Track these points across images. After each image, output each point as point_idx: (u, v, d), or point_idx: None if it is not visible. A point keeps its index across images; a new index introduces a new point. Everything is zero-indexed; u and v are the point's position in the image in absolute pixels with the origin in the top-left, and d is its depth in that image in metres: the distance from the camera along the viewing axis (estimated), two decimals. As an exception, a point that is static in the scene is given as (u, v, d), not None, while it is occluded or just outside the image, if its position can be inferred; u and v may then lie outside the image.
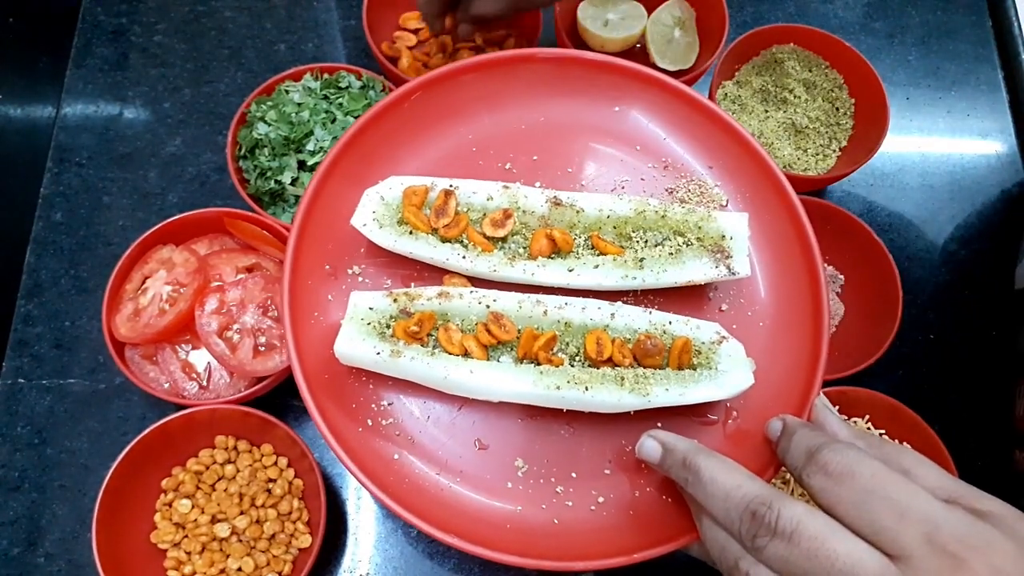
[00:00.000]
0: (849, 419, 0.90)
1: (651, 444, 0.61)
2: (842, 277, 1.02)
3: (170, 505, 0.85)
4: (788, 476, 0.84)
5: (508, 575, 0.89)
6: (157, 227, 0.90)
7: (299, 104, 0.97)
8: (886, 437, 0.89)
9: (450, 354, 0.65)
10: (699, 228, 0.70)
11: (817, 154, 1.07)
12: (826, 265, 1.03)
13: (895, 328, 0.91)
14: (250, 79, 1.12)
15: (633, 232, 0.71)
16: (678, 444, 0.59)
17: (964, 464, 0.85)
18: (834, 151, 1.08)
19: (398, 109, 0.73)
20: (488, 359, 0.66)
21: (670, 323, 0.67)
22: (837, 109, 1.09)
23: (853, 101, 1.09)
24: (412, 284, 0.70)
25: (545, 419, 0.67)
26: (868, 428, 0.89)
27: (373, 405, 0.66)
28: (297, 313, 0.66)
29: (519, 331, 0.66)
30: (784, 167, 1.05)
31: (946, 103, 1.19)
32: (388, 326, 0.66)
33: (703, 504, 0.55)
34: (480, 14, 0.90)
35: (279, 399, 0.92)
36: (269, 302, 0.89)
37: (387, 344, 0.64)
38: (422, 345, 0.66)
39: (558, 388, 0.63)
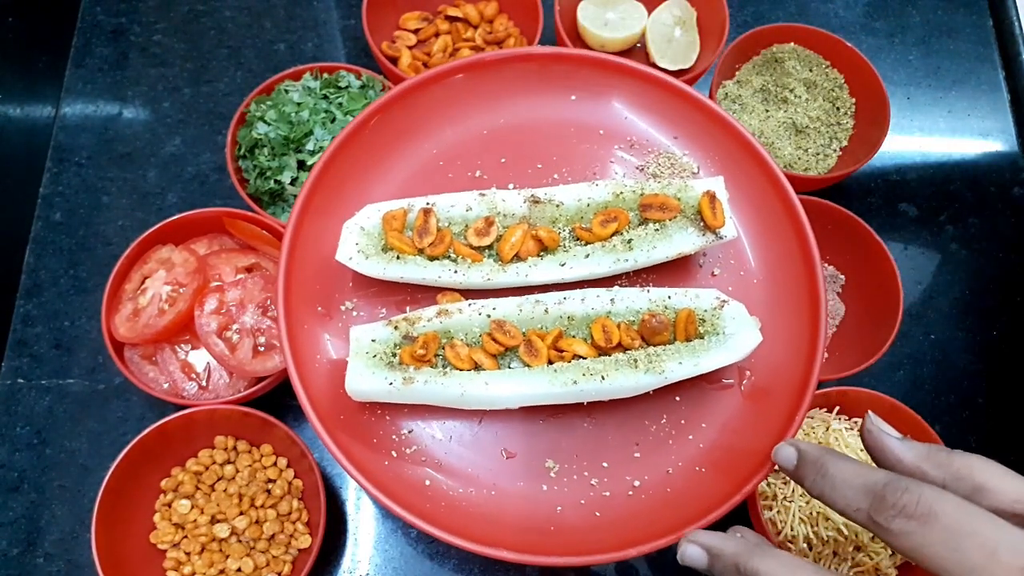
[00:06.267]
0: (849, 419, 0.90)
1: (694, 551, 0.56)
2: (842, 277, 1.02)
3: (169, 505, 0.85)
4: (789, 482, 0.84)
5: (509, 574, 0.89)
6: (156, 227, 0.90)
7: (299, 104, 0.97)
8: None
9: (460, 370, 0.65)
10: (678, 200, 0.70)
11: (818, 154, 1.07)
12: (826, 265, 1.03)
13: (895, 328, 0.91)
14: (250, 79, 1.12)
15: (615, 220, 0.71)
16: (725, 547, 0.54)
17: (964, 464, 0.85)
18: (835, 151, 1.07)
19: (359, 138, 0.73)
20: (499, 367, 0.66)
21: (669, 297, 0.68)
22: (838, 109, 1.08)
23: (854, 101, 1.09)
24: (407, 308, 0.70)
25: (566, 415, 0.68)
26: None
27: (394, 436, 0.66)
28: (300, 360, 0.65)
29: (524, 334, 0.66)
30: (784, 167, 1.05)
31: (947, 103, 1.18)
32: (394, 354, 0.65)
33: None
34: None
35: (278, 399, 0.92)
36: (268, 302, 0.89)
37: (397, 373, 0.63)
38: (431, 367, 0.65)
39: (575, 383, 0.63)
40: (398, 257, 0.68)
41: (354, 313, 0.70)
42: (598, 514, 0.64)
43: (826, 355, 0.97)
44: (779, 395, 0.66)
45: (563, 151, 0.76)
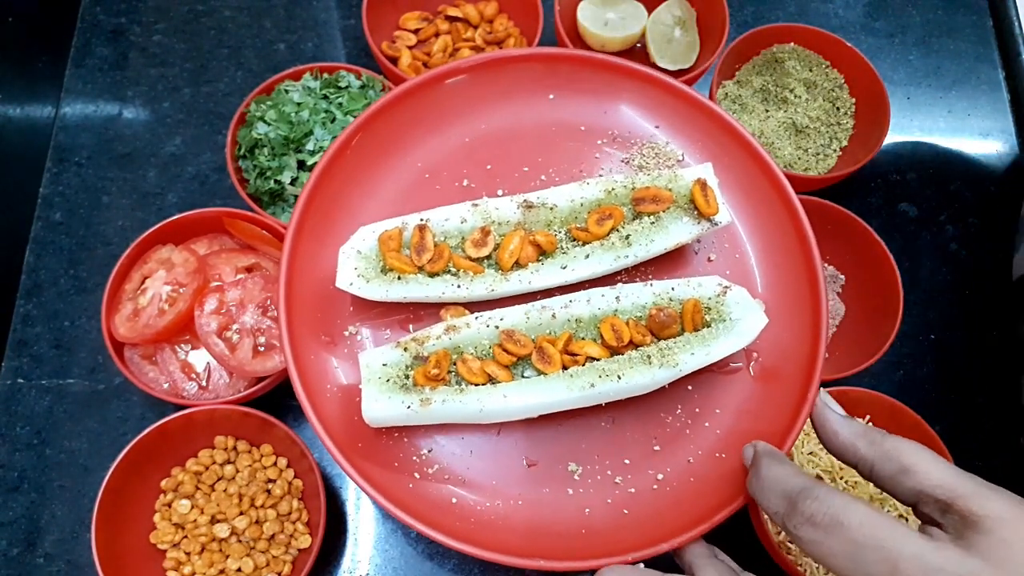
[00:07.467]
0: (849, 419, 0.90)
1: None
2: (842, 277, 1.02)
3: (169, 505, 0.85)
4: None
5: (509, 574, 0.89)
6: (156, 227, 0.90)
7: (299, 104, 0.97)
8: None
9: (475, 384, 0.64)
10: (670, 190, 0.70)
11: (817, 154, 1.07)
12: (826, 265, 1.03)
13: (895, 328, 0.91)
14: (250, 79, 1.12)
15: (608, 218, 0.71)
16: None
17: (965, 465, 0.84)
18: (835, 151, 1.07)
19: (342, 159, 0.72)
20: (513, 378, 0.65)
21: (673, 289, 0.68)
22: (838, 109, 1.08)
23: (854, 101, 1.09)
24: (410, 326, 0.69)
25: (583, 417, 0.67)
26: (868, 428, 0.89)
27: (414, 457, 0.65)
28: (311, 392, 0.65)
29: (534, 341, 0.66)
30: (784, 167, 1.05)
31: (947, 102, 1.18)
32: (407, 376, 0.64)
33: None
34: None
35: (279, 399, 0.92)
36: (268, 302, 0.89)
37: (413, 395, 0.63)
38: (446, 385, 0.64)
39: (592, 385, 0.63)
40: (399, 277, 0.67)
41: (358, 337, 0.69)
42: (626, 512, 0.64)
43: (826, 355, 0.97)
44: (789, 372, 0.67)
45: (547, 152, 0.76)
